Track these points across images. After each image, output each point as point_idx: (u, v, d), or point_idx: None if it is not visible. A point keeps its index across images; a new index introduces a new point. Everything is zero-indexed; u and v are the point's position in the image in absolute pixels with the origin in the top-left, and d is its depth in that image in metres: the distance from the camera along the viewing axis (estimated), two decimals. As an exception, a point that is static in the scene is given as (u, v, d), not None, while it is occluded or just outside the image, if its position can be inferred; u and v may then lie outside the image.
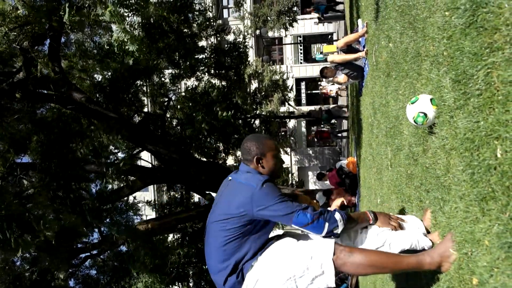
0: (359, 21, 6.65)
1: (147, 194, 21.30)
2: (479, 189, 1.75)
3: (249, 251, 2.25)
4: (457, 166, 2.01)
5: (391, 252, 2.25)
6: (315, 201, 2.56)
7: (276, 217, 2.20)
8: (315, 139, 18.22)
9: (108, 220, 7.01)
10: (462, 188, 1.95)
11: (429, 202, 2.45)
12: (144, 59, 7.49)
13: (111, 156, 9.25)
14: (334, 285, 2.19)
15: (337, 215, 2.17)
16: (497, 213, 1.60)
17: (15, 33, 5.14)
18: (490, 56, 1.68)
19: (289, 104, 22.51)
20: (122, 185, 8.85)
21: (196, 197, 13.47)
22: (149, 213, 13.18)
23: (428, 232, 2.38)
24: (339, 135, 17.25)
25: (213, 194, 9.19)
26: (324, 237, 2.18)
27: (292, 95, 22.86)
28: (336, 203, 2.39)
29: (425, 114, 2.34)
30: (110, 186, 9.08)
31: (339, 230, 2.18)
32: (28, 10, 4.69)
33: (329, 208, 2.32)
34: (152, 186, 19.38)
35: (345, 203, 2.38)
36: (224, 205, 2.33)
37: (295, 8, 18.60)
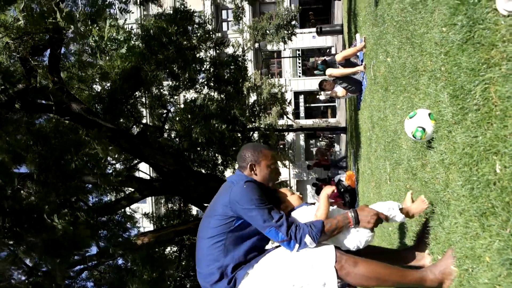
0: (357, 35, 6.70)
1: (145, 206, 21.18)
2: (479, 204, 1.75)
3: (235, 256, 2.20)
4: (456, 181, 2.01)
5: (396, 266, 2.22)
6: (298, 193, 2.50)
7: (251, 221, 2.18)
8: (315, 167, 18.14)
9: (105, 232, 6.94)
10: (461, 203, 1.94)
11: (428, 217, 2.45)
12: (139, 52, 7.43)
13: (108, 167, 9.23)
14: None
15: (308, 239, 2.11)
16: (497, 229, 1.59)
17: (16, 44, 5.16)
18: (487, 71, 1.69)
19: (287, 117, 22.55)
20: (119, 196, 8.80)
21: (194, 210, 13.40)
22: (147, 225, 13.08)
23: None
24: (339, 164, 17.12)
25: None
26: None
27: (290, 108, 22.92)
28: (327, 191, 2.34)
29: (424, 129, 2.34)
30: (107, 198, 9.04)
31: (310, 247, 2.14)
32: (25, 18, 4.71)
33: (300, 222, 2.22)
34: (150, 198, 19.28)
35: (335, 191, 2.29)
36: (212, 204, 2.35)
37: (294, 22, 18.74)
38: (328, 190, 2.33)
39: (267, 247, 2.33)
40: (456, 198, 2.00)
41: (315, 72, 7.16)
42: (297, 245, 2.12)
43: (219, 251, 2.20)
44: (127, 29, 4.54)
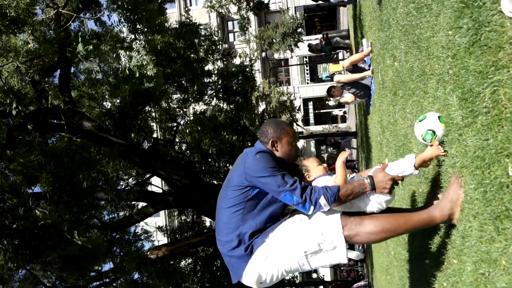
0: (364, 40, 6.70)
1: (159, 219, 21.26)
2: (493, 207, 1.72)
3: (253, 224, 2.28)
4: (469, 184, 1.99)
5: (399, 214, 2.26)
6: (324, 165, 2.54)
7: (265, 188, 2.25)
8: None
9: (118, 250, 6.96)
10: (475, 206, 1.92)
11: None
12: (160, 84, 7.60)
13: (121, 183, 9.31)
14: (346, 261, 2.20)
15: (322, 200, 2.16)
16: (512, 232, 1.56)
17: (26, 66, 5.27)
18: (495, 74, 1.67)
19: (297, 124, 22.54)
20: (132, 212, 8.85)
21: (208, 221, 13.42)
22: (161, 239, 13.12)
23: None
24: (352, 167, 17.01)
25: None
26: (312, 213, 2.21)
27: (300, 115, 22.91)
28: (342, 157, 2.35)
29: (434, 132, 2.32)
30: (120, 213, 9.09)
31: (325, 210, 2.20)
32: (39, 43, 4.81)
33: (318, 185, 2.29)
34: (163, 211, 19.35)
35: (349, 157, 2.36)
36: (229, 175, 2.43)
37: (299, 30, 18.81)
38: (343, 156, 2.36)
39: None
40: (470, 201, 1.98)
41: (323, 77, 7.16)
42: (312, 207, 2.18)
43: (238, 219, 2.28)
44: (144, 60, 4.63)
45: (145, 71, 4.76)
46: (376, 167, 2.44)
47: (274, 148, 2.41)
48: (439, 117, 2.33)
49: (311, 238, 2.17)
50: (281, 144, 2.42)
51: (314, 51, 13.22)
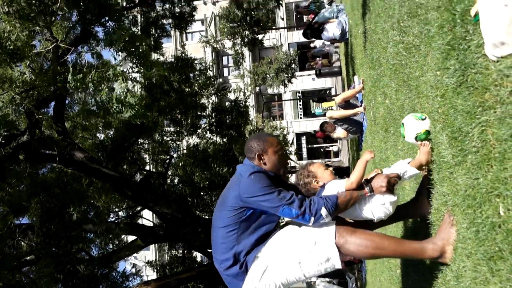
0: (356, 77, 6.84)
1: (148, 253, 20.80)
2: (486, 247, 1.71)
3: (247, 243, 2.31)
4: (461, 223, 1.98)
5: (393, 236, 2.28)
6: (330, 169, 2.55)
7: (263, 208, 2.27)
8: None
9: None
10: (468, 246, 1.91)
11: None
12: (142, 114, 7.63)
13: (111, 215, 9.16)
14: (341, 267, 2.20)
15: (323, 211, 2.19)
16: (507, 273, 1.55)
17: (21, 97, 5.28)
18: (483, 114, 1.71)
19: (290, 159, 22.59)
20: (122, 245, 8.67)
21: (199, 256, 13.15)
22: (150, 274, 12.80)
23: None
24: None
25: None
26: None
27: (293, 149, 23.00)
28: (366, 157, 2.39)
29: (429, 133, 2.38)
30: (109, 246, 8.90)
31: (326, 221, 2.22)
32: (34, 75, 4.85)
33: (326, 194, 2.33)
34: (153, 245, 18.96)
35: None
36: (224, 194, 2.44)
37: (293, 65, 19.21)
38: (368, 156, 2.37)
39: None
40: (462, 240, 1.97)
41: (316, 113, 7.24)
42: (312, 218, 2.20)
43: (233, 239, 2.31)
44: (136, 92, 4.69)
45: (125, 99, 4.74)
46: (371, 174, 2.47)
47: (261, 161, 2.42)
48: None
49: (304, 248, 2.19)
50: (267, 156, 2.43)
51: (302, 13, 13.37)
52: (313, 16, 8.87)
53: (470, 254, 1.88)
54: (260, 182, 2.27)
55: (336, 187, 2.37)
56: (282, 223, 2.57)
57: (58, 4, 4.40)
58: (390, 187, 2.28)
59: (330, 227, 2.21)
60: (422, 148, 2.41)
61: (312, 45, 21.18)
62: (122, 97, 4.52)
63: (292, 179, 2.77)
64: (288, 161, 2.66)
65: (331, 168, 2.55)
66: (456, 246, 2.06)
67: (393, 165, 2.45)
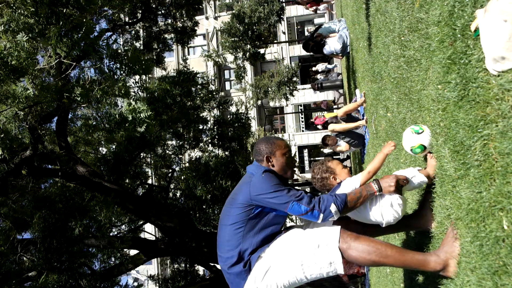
0: (357, 91, 6.87)
1: (150, 267, 20.68)
2: (490, 262, 1.70)
3: (253, 242, 2.34)
4: (465, 237, 1.97)
5: (398, 246, 2.28)
6: (348, 168, 2.64)
7: (272, 205, 2.30)
8: None
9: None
10: (472, 260, 1.89)
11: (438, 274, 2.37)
12: (153, 128, 7.68)
13: (113, 229, 9.12)
14: (343, 272, 2.20)
15: (333, 207, 2.22)
16: (511, 289, 1.54)
17: (25, 112, 5.32)
18: (485, 128, 1.71)
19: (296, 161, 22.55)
20: (124, 259, 8.62)
21: (201, 270, 13.06)
22: (152, 288, 12.68)
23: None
24: None
25: (218, 266, 8.91)
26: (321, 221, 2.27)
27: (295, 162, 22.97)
28: (386, 151, 2.46)
29: (424, 147, 2.40)
30: (112, 259, 8.84)
31: (335, 218, 2.25)
32: (38, 91, 4.88)
33: (337, 192, 2.39)
34: (155, 259, 18.85)
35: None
36: (233, 193, 2.48)
37: (294, 78, 19.29)
38: (389, 148, 2.43)
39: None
40: (466, 254, 1.96)
41: (318, 126, 7.23)
42: (321, 215, 2.23)
43: (239, 237, 2.35)
44: (146, 108, 4.75)
45: (137, 115, 4.83)
46: None
47: (270, 163, 2.49)
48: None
49: (307, 251, 2.20)
50: (275, 158, 2.50)
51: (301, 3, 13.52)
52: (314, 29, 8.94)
53: (474, 268, 1.86)
54: (271, 180, 2.33)
55: (352, 186, 2.42)
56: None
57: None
58: (399, 187, 2.32)
59: (334, 232, 2.22)
60: (430, 160, 2.44)
61: (314, 68, 21.79)
62: (137, 112, 4.59)
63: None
64: (295, 163, 2.68)
65: (348, 168, 2.61)
66: (460, 260, 2.05)
67: (403, 169, 2.49)
